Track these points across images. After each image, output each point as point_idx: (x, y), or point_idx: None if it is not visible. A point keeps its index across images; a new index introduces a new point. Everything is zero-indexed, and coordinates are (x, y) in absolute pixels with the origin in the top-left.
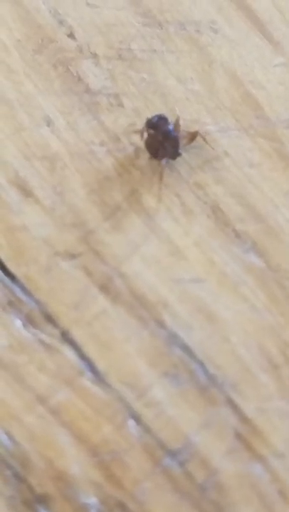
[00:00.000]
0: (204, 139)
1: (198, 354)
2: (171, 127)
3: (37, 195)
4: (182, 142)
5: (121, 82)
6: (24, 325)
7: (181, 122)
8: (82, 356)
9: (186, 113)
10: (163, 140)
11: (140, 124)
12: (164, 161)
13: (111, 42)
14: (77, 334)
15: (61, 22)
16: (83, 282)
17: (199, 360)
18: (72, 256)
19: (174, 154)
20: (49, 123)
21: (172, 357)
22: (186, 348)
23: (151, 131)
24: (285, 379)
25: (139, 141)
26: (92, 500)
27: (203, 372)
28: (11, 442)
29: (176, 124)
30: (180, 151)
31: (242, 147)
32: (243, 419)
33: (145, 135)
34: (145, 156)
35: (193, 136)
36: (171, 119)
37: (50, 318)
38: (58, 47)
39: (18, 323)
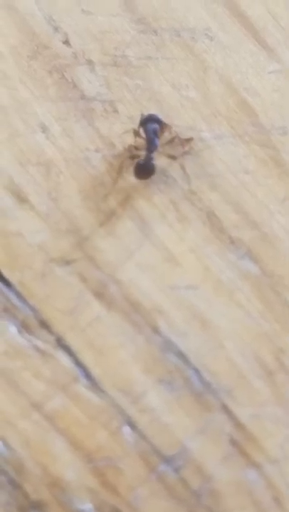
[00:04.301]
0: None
1: (193, 361)
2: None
3: (32, 201)
4: (178, 149)
5: (116, 88)
6: (19, 331)
7: (175, 129)
8: (77, 362)
9: (181, 120)
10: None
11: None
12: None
13: (106, 49)
14: (72, 340)
15: (56, 29)
16: (78, 288)
17: (194, 367)
18: (67, 262)
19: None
20: (44, 129)
21: (167, 363)
22: (181, 355)
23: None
24: (280, 385)
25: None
26: (87, 506)
27: (198, 379)
28: (6, 448)
29: (164, 127)
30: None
31: (237, 154)
32: (238, 425)
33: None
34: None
35: (187, 143)
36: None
37: (45, 325)
38: (53, 53)
39: (13, 329)
